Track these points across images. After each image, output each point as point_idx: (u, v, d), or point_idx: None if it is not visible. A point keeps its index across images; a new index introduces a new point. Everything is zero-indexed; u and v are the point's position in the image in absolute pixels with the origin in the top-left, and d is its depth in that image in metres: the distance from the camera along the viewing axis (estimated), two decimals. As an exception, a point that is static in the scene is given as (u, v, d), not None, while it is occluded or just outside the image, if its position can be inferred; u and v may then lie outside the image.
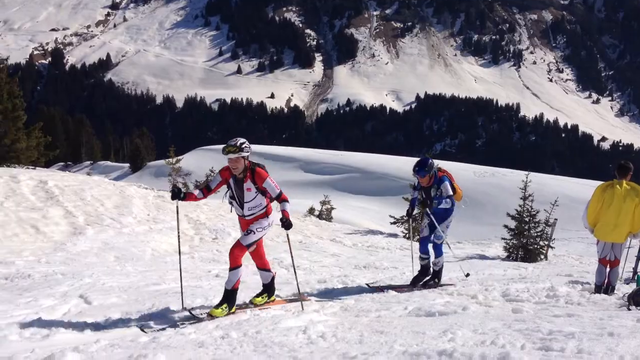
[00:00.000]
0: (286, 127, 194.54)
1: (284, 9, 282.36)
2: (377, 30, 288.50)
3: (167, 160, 37.22)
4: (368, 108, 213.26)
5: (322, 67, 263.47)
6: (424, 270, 9.41)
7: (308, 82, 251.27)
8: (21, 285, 9.51)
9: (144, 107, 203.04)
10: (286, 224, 6.66)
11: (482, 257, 18.77)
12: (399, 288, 9.05)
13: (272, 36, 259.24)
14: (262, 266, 7.46)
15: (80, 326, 6.33)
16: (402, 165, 51.51)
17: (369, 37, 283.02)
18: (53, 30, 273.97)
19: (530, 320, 5.83)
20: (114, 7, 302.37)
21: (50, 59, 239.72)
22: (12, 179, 19.31)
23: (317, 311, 6.56)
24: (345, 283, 9.12)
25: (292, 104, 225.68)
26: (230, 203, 7.07)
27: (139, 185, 25.32)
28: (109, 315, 6.82)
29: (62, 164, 74.01)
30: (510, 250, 19.48)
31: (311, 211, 31.61)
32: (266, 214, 7.06)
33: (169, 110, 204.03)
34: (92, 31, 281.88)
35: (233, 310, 7.00)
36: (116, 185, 23.59)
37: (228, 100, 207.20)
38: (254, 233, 6.89)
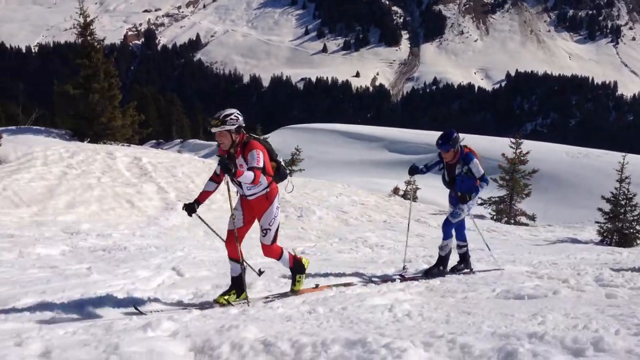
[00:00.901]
0: (371, 106, 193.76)
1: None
2: (467, 6, 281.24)
3: (253, 138, 37.91)
4: (455, 86, 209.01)
5: (409, 45, 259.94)
6: (464, 257, 8.80)
7: (394, 61, 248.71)
8: (118, 256, 9.98)
9: (231, 86, 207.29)
10: (224, 163, 5.68)
11: (574, 241, 18.12)
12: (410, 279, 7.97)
13: (358, 14, 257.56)
14: (234, 255, 6.42)
15: (174, 297, 6.59)
16: (490, 145, 50.28)
17: (457, 14, 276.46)
18: (146, 11, 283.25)
19: (625, 305, 5.59)
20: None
21: (143, 39, 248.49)
22: (108, 155, 20.23)
23: (402, 290, 6.55)
24: (431, 263, 9.04)
25: (377, 83, 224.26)
26: (231, 181, 6.29)
27: (227, 163, 25.91)
28: (200, 287, 7.06)
29: (154, 141, 76.77)
30: (605, 235, 18.73)
31: (396, 191, 31.45)
32: (267, 198, 6.30)
33: (256, 89, 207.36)
34: (182, 12, 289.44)
35: (317, 286, 6.94)
36: (205, 162, 24.29)
37: (313, 79, 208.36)
38: (270, 230, 6.30)
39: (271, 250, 6.38)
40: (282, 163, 6.59)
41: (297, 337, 3.86)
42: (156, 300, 6.31)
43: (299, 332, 4.15)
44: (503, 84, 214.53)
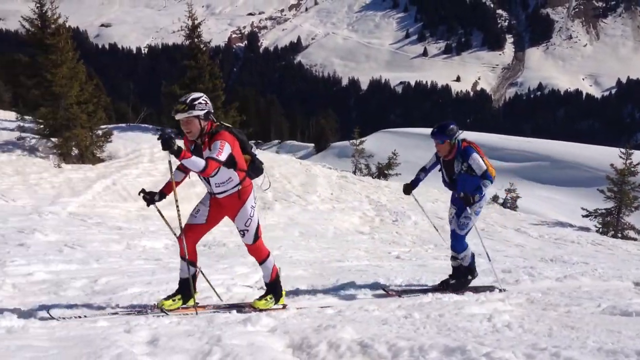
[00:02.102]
0: (471, 111, 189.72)
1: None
2: (576, 9, 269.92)
3: (351, 141, 38.10)
4: (562, 93, 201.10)
5: (513, 49, 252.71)
6: (456, 272, 7.56)
7: (497, 65, 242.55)
8: (218, 252, 10.32)
9: (330, 88, 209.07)
10: (165, 138, 5.02)
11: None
12: (417, 292, 7.20)
13: (461, 17, 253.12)
14: (183, 254, 5.70)
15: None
16: (597, 154, 48.05)
17: (566, 17, 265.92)
18: (250, 14, 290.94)
19: None
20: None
21: (246, 42, 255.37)
22: (211, 153, 20.88)
23: (501, 301, 6.37)
24: (532, 275, 8.73)
25: (478, 88, 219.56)
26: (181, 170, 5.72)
27: (324, 165, 26.19)
28: (296, 286, 7.16)
29: (252, 141, 78.25)
30: None
31: (495, 199, 30.64)
32: (239, 196, 5.59)
33: (354, 92, 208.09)
34: (285, 15, 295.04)
35: (282, 302, 5.94)
36: (302, 164, 24.63)
37: (412, 83, 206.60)
38: (247, 230, 5.63)
39: (255, 249, 5.73)
40: (258, 156, 5.93)
41: (394, 341, 3.85)
42: (254, 296, 6.46)
43: (395, 335, 4.13)
44: (613, 91, 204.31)
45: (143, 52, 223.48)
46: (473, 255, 7.53)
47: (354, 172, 31.80)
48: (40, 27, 21.24)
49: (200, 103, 5.32)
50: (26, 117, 23.61)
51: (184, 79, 26.84)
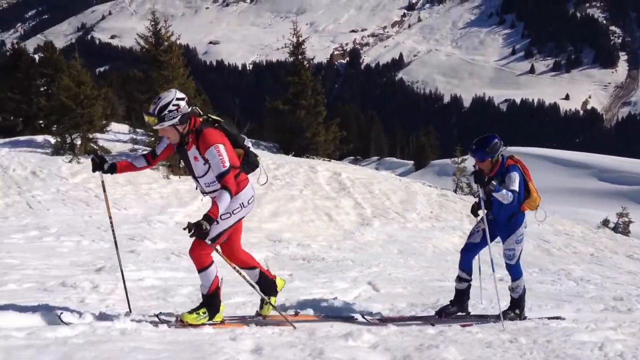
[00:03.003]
0: (581, 130, 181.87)
1: (587, 4, 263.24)
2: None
3: (452, 159, 37.46)
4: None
5: (627, 67, 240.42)
6: (459, 297, 6.52)
7: (609, 84, 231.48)
8: (317, 266, 10.41)
9: (431, 105, 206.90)
10: (194, 227, 4.62)
11: None
12: (408, 320, 6.27)
13: (571, 34, 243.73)
14: (243, 264, 5.45)
15: (370, 310, 6.69)
16: None
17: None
18: (352, 31, 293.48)
19: None
20: (410, 7, 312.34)
21: (347, 58, 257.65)
22: (310, 169, 21.20)
23: (613, 329, 6.03)
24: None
25: (589, 107, 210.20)
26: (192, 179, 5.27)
27: (423, 183, 25.90)
28: (395, 304, 7.10)
29: (352, 157, 79.00)
30: None
31: (605, 223, 29.12)
32: (235, 191, 5.03)
33: (456, 109, 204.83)
34: (387, 32, 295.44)
35: (218, 318, 5.30)
36: (402, 181, 24.45)
37: (517, 101, 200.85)
38: (217, 222, 4.91)
39: (200, 251, 4.99)
40: (251, 148, 5.48)
41: (500, 366, 3.73)
42: (352, 311, 6.45)
43: (500, 359, 4.01)
44: None
45: (248, 68, 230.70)
46: (525, 290, 6.68)
47: (455, 191, 31.20)
48: (154, 44, 22.42)
49: (170, 111, 4.75)
50: (138, 130, 24.91)
51: (287, 95, 27.47)
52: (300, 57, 27.72)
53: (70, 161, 19.44)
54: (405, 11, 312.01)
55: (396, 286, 8.71)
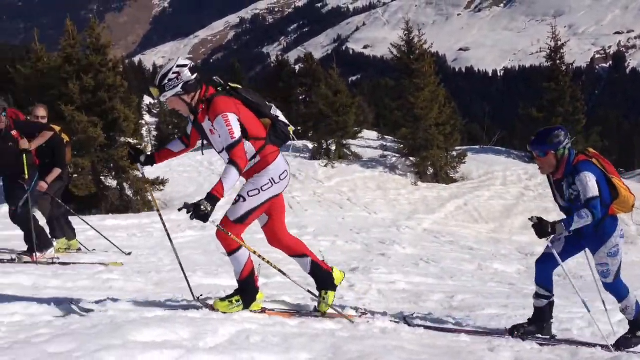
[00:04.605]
0: None
1: None
2: None
3: None
4: None
5: None
6: (538, 315, 5.32)
7: None
8: (575, 284, 9.68)
9: None
10: (193, 208, 4.04)
11: None
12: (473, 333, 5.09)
13: None
14: (289, 251, 4.81)
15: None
16: None
17: None
18: (617, 33, 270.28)
19: None
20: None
21: (610, 62, 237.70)
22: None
23: None
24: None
25: None
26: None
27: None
28: None
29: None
30: None
31: None
32: (256, 169, 4.49)
33: None
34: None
35: (256, 307, 4.72)
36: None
37: None
38: (244, 200, 4.39)
39: (227, 230, 4.38)
40: (281, 117, 4.67)
41: None
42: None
43: None
44: None
45: (499, 74, 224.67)
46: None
47: None
48: (407, 52, 22.96)
49: (170, 80, 4.31)
50: (387, 137, 25.64)
51: (542, 101, 26.16)
52: (558, 61, 26.25)
53: (325, 165, 20.73)
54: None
55: None
